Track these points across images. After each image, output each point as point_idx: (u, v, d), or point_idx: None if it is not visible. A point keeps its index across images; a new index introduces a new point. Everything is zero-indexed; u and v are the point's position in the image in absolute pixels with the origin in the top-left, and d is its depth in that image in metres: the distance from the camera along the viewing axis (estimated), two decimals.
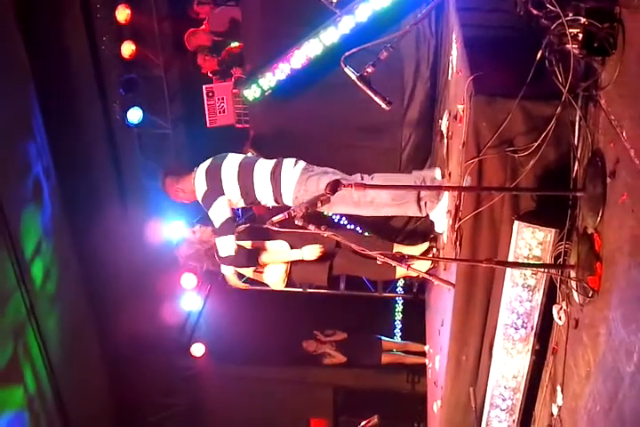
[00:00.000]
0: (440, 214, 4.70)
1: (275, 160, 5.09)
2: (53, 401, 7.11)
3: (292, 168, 4.98)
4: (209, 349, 8.78)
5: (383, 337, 8.23)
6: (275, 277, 5.32)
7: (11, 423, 6.51)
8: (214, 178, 4.98)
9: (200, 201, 5.09)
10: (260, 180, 4.97)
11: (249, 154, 6.94)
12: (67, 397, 7.21)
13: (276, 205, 5.17)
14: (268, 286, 5.64)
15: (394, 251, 5.17)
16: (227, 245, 4.99)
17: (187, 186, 5.15)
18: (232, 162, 5.11)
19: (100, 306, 7.95)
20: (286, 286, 5.56)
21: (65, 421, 7.27)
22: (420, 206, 4.81)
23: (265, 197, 5.06)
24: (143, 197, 7.86)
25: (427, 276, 3.40)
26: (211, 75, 7.77)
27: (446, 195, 4.61)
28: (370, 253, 3.24)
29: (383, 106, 3.35)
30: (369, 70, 3.20)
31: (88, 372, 7.93)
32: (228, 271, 5.53)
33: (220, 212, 4.95)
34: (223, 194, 4.97)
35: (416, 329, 7.66)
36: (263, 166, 5.03)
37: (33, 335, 6.77)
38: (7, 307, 6.42)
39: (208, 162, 5.13)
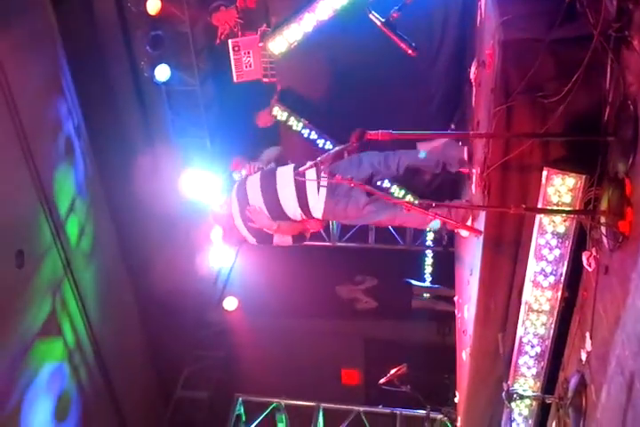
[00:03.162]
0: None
1: (294, 189, 4.75)
2: (92, 353, 7.31)
3: (316, 197, 4.70)
4: (241, 302, 8.93)
5: (413, 281, 8.32)
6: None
7: (52, 375, 6.73)
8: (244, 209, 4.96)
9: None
10: (288, 209, 4.83)
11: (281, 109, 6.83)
12: (105, 349, 7.41)
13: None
14: None
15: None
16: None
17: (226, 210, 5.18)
18: (255, 191, 4.98)
19: (134, 261, 8.11)
20: None
21: (104, 372, 7.49)
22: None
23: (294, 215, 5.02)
24: (173, 153, 7.92)
25: (453, 223, 3.37)
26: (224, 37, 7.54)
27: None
28: (397, 202, 3.25)
29: (409, 52, 3.28)
30: (394, 15, 3.14)
31: (124, 324, 8.13)
32: None
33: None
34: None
35: (446, 281, 7.69)
36: (288, 199, 4.80)
37: (70, 290, 6.94)
38: (44, 264, 6.57)
39: (235, 190, 5.02)
